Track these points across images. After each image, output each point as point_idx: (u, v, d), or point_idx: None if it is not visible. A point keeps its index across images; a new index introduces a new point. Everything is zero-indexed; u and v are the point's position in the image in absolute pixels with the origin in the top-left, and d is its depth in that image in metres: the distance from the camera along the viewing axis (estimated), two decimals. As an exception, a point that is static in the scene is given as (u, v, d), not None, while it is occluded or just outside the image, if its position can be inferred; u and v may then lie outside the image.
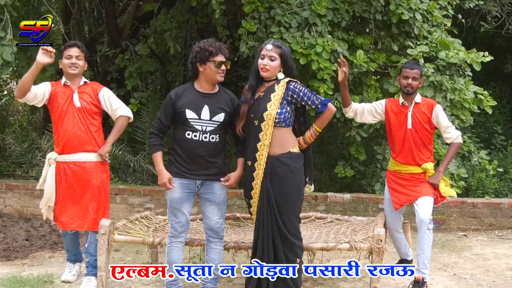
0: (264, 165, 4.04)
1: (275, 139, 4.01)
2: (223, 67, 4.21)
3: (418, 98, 4.86)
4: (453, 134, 4.84)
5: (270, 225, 4.03)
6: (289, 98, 4.03)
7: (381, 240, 4.37)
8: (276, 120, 3.98)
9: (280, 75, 4.08)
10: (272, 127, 3.99)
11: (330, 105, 4.10)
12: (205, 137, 4.19)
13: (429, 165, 4.84)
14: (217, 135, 4.24)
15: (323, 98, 4.12)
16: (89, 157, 4.80)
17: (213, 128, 4.21)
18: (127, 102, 8.84)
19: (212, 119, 4.21)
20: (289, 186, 4.04)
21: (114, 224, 4.78)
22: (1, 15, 6.03)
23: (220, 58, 4.19)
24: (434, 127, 4.85)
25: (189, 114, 4.17)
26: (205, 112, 4.20)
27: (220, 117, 4.24)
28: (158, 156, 4.25)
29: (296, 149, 4.10)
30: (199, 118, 4.18)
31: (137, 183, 8.32)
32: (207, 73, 4.20)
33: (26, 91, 4.55)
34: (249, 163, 4.14)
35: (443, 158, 5.01)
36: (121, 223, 4.97)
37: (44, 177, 4.84)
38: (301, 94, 4.03)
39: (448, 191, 4.93)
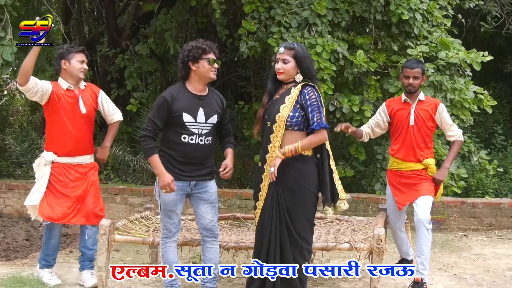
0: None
1: (287, 142, 3.93)
2: (215, 65, 4.20)
3: (421, 96, 4.90)
4: (456, 132, 4.89)
5: (279, 228, 3.97)
6: (302, 102, 3.95)
7: (381, 240, 4.37)
8: (288, 123, 3.92)
9: (298, 77, 4.00)
10: (283, 129, 3.93)
11: (324, 132, 3.90)
12: (201, 140, 4.19)
13: (430, 161, 4.86)
14: (210, 137, 4.26)
15: (323, 120, 3.92)
16: (89, 159, 4.98)
17: (208, 130, 4.22)
18: (127, 102, 8.88)
19: (207, 121, 4.21)
20: (300, 189, 3.96)
21: (114, 224, 4.78)
22: (1, 15, 6.03)
23: (212, 56, 4.19)
24: (435, 125, 4.88)
25: (186, 117, 4.14)
26: (201, 115, 4.18)
27: (214, 119, 4.25)
28: (156, 159, 4.15)
29: (309, 152, 3.98)
30: (196, 121, 4.16)
31: (137, 183, 8.32)
32: (201, 71, 4.16)
33: (28, 75, 4.56)
34: (259, 164, 4.14)
35: (447, 155, 5.00)
36: (121, 223, 4.97)
37: (39, 178, 4.87)
38: (308, 102, 3.92)
39: (440, 195, 5.00)
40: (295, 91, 3.96)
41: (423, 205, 4.72)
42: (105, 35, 10.98)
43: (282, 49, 4.02)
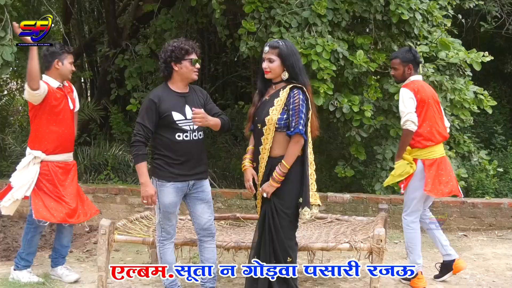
0: (264, 168, 4.03)
1: (276, 143, 3.98)
2: (197, 65, 4.20)
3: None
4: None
5: (268, 225, 4.00)
6: (289, 105, 3.97)
7: (381, 240, 4.37)
8: (277, 126, 3.94)
9: (284, 75, 4.02)
10: (273, 132, 3.96)
11: (298, 137, 3.89)
12: (195, 136, 4.19)
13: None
14: (202, 131, 4.26)
15: (301, 126, 3.89)
16: (72, 157, 5.14)
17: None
18: (127, 102, 8.88)
19: None
20: (286, 185, 3.96)
21: (114, 224, 4.79)
22: (1, 15, 6.02)
23: (194, 56, 4.18)
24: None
25: (176, 116, 4.13)
26: (188, 111, 4.16)
27: None
28: (144, 167, 4.10)
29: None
30: (186, 119, 4.16)
31: (137, 183, 8.26)
32: (183, 72, 4.16)
33: (38, 78, 4.63)
34: (254, 164, 4.15)
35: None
36: (121, 223, 4.98)
37: (25, 175, 4.92)
38: (291, 105, 3.92)
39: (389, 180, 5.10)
40: (283, 94, 3.98)
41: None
42: (105, 35, 10.98)
43: (267, 48, 4.04)
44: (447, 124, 5.10)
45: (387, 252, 4.92)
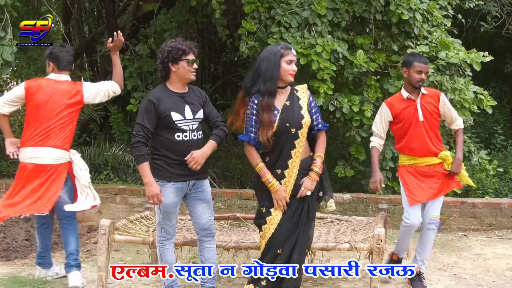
0: (297, 171, 4.02)
1: (305, 146, 4.09)
2: (195, 65, 4.19)
3: (423, 89, 4.83)
4: (460, 119, 4.91)
5: (301, 221, 4.05)
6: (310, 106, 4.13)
7: (381, 240, 4.37)
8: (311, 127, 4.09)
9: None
10: (306, 134, 4.06)
11: (324, 133, 4.20)
12: (194, 135, 4.17)
13: (447, 153, 4.82)
14: (201, 131, 4.25)
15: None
16: None
17: (197, 124, 4.21)
18: (127, 102, 8.87)
19: (195, 117, 4.20)
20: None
21: (114, 224, 4.79)
22: (1, 15, 6.02)
23: (191, 56, 4.18)
24: (439, 115, 4.84)
25: (175, 116, 4.12)
26: (188, 111, 4.17)
27: (201, 113, 4.24)
28: (146, 167, 4.07)
29: (311, 153, 4.17)
30: (185, 118, 4.15)
31: (137, 183, 8.32)
32: (180, 72, 4.15)
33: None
34: (278, 171, 4.03)
35: (457, 147, 4.92)
36: (121, 223, 4.98)
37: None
38: (312, 104, 4.12)
39: (468, 178, 4.98)
40: (304, 95, 4.07)
41: (438, 204, 4.76)
42: (105, 35, 10.98)
43: (294, 51, 4.09)
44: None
45: (387, 252, 4.91)
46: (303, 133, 4.00)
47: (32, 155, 4.73)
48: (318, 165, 4.04)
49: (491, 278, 5.21)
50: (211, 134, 4.31)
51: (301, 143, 4.00)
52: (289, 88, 4.08)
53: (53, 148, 4.73)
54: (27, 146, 4.76)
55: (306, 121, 4.01)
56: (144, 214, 5.45)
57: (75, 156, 4.88)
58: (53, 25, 13.73)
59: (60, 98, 4.74)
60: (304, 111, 4.02)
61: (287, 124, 3.98)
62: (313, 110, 4.09)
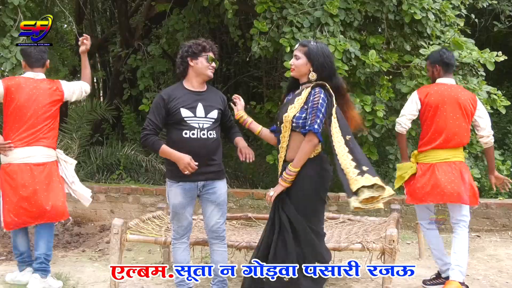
0: (280, 167, 3.96)
1: (292, 144, 3.87)
2: (213, 63, 4.21)
3: None
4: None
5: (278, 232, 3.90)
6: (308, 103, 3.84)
7: (393, 241, 4.35)
8: (294, 124, 3.82)
9: (311, 75, 3.87)
10: (289, 130, 3.86)
11: (313, 137, 3.74)
12: (203, 134, 4.15)
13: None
14: (214, 131, 4.21)
15: (317, 126, 3.72)
16: None
17: (209, 124, 4.18)
18: (139, 102, 8.92)
19: (207, 116, 4.18)
20: (297, 193, 3.84)
21: (127, 223, 4.81)
22: (15, 16, 6.07)
23: (211, 54, 4.21)
24: None
25: (184, 112, 4.11)
26: (200, 109, 4.16)
27: (214, 114, 4.23)
28: (166, 148, 4.08)
29: (314, 153, 3.87)
30: (195, 116, 4.14)
31: (149, 182, 8.36)
32: (198, 67, 4.17)
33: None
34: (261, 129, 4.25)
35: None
36: (133, 222, 5.00)
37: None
38: (310, 103, 3.79)
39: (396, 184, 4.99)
40: (305, 93, 3.86)
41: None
42: (118, 35, 11.05)
43: (297, 45, 4.00)
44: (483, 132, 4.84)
45: (399, 252, 4.89)
46: (284, 128, 3.88)
47: (25, 155, 4.62)
48: (286, 171, 3.81)
49: (504, 279, 5.18)
50: (232, 133, 4.45)
51: (283, 139, 3.91)
52: (307, 84, 3.90)
53: (43, 147, 4.69)
54: (17, 147, 4.62)
55: (287, 115, 3.83)
56: (156, 213, 5.47)
57: (62, 155, 4.91)
58: (65, 25, 13.84)
59: (43, 98, 4.68)
60: (292, 107, 3.85)
61: (277, 117, 4.03)
62: (308, 110, 3.77)
